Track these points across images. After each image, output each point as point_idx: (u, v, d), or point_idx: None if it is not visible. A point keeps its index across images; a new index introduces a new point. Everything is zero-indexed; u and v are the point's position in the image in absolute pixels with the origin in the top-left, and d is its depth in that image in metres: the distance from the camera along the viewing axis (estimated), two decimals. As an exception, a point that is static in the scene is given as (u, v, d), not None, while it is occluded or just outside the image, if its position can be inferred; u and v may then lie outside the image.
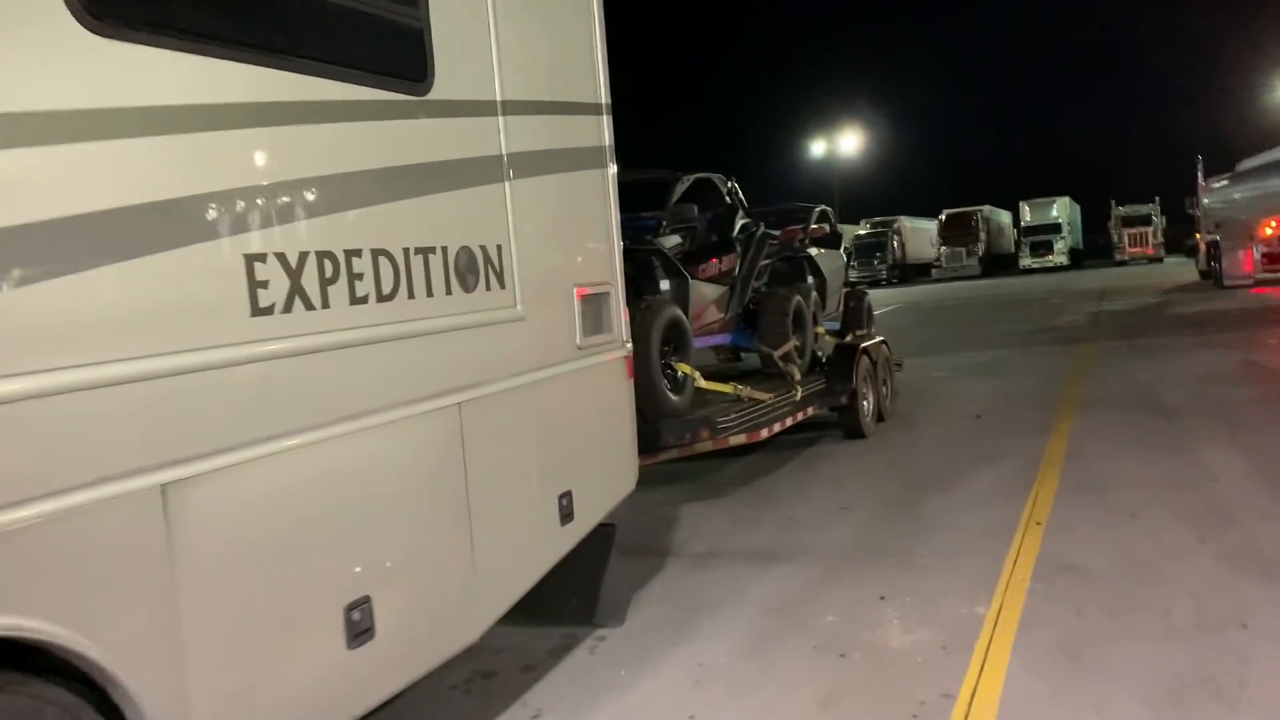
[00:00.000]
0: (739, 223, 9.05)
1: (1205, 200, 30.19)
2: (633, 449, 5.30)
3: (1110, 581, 5.30)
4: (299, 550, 3.03)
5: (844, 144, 67.86)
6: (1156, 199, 55.17)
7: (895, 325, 24.37)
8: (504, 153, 4.22)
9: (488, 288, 4.03)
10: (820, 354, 10.19)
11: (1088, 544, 5.94)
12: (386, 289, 3.44)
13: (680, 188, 8.24)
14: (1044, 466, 8.06)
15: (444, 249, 3.75)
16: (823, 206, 12.26)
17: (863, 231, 55.25)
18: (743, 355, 10.51)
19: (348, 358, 3.25)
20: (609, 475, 5.07)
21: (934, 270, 55.08)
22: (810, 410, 9.23)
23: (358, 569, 3.23)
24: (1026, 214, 57.13)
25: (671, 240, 7.89)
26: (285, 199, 3.07)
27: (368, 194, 3.41)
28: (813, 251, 11.20)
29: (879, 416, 10.47)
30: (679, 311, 7.18)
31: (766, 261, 10.24)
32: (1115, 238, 55.35)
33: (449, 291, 3.77)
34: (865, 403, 10.06)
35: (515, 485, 4.18)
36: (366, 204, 3.40)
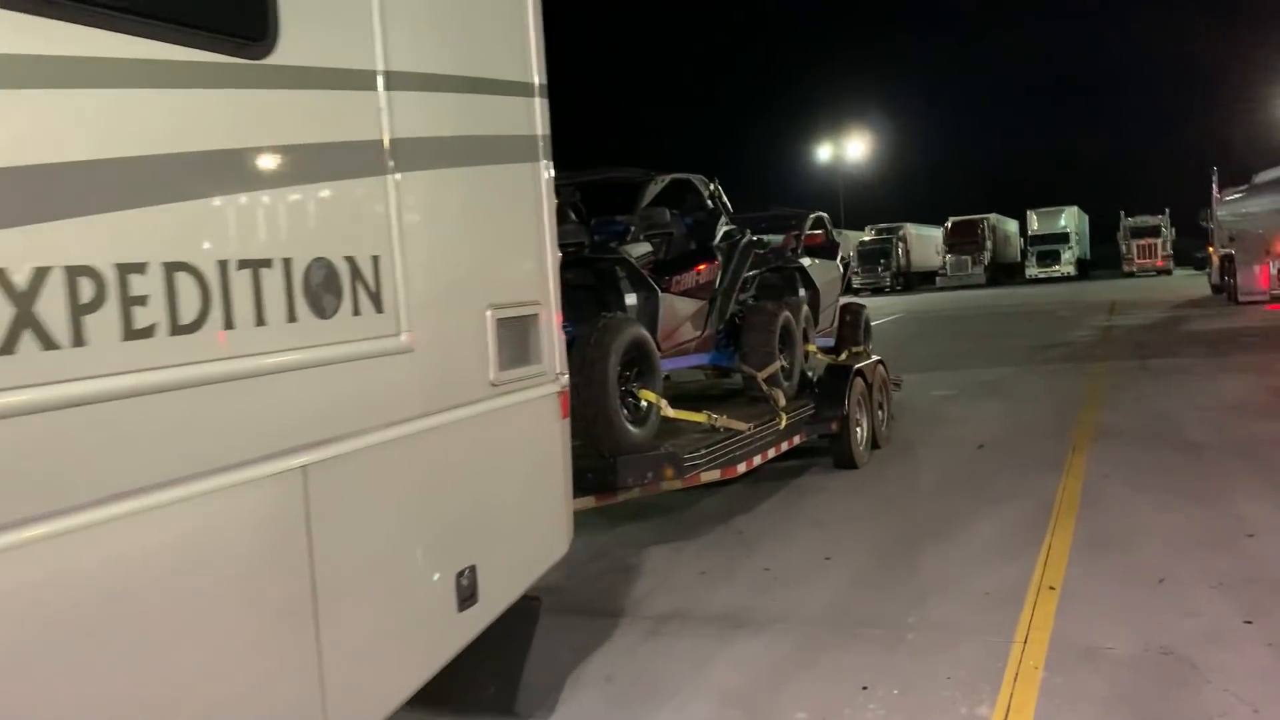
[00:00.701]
0: (721, 229, 8.13)
1: (1220, 213, 29.24)
2: (565, 504, 4.38)
3: (1141, 675, 4.38)
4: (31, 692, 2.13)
5: (851, 149, 67.02)
6: (1166, 211, 54.30)
7: (896, 336, 23.47)
8: (387, 138, 3.31)
9: (356, 311, 3.12)
10: (811, 374, 9.27)
11: (1110, 619, 5.02)
12: (187, 317, 2.52)
13: (653, 189, 7.33)
14: (1056, 512, 7.14)
15: (286, 261, 2.84)
16: (818, 213, 11.34)
17: (867, 238, 54.38)
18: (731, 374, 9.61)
19: (112, 414, 2.33)
20: (530, 541, 4.14)
21: (939, 278, 54.16)
22: (797, 439, 8.31)
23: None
24: (1034, 223, 56.22)
25: (641, 248, 6.98)
26: (17, 193, 2.16)
27: (162, 186, 2.50)
28: (805, 262, 10.28)
29: (874, 443, 9.55)
30: (643, 330, 6.27)
31: (753, 272, 9.32)
32: (1124, 249, 54.48)
33: (293, 318, 2.85)
34: (858, 429, 9.13)
35: (389, 569, 3.26)
36: (160, 200, 2.49)
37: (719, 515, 7.71)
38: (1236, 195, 28.31)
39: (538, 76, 4.22)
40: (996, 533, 6.80)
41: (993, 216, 55.91)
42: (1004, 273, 55.70)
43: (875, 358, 10.11)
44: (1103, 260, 59.83)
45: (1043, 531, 6.70)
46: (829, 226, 11.59)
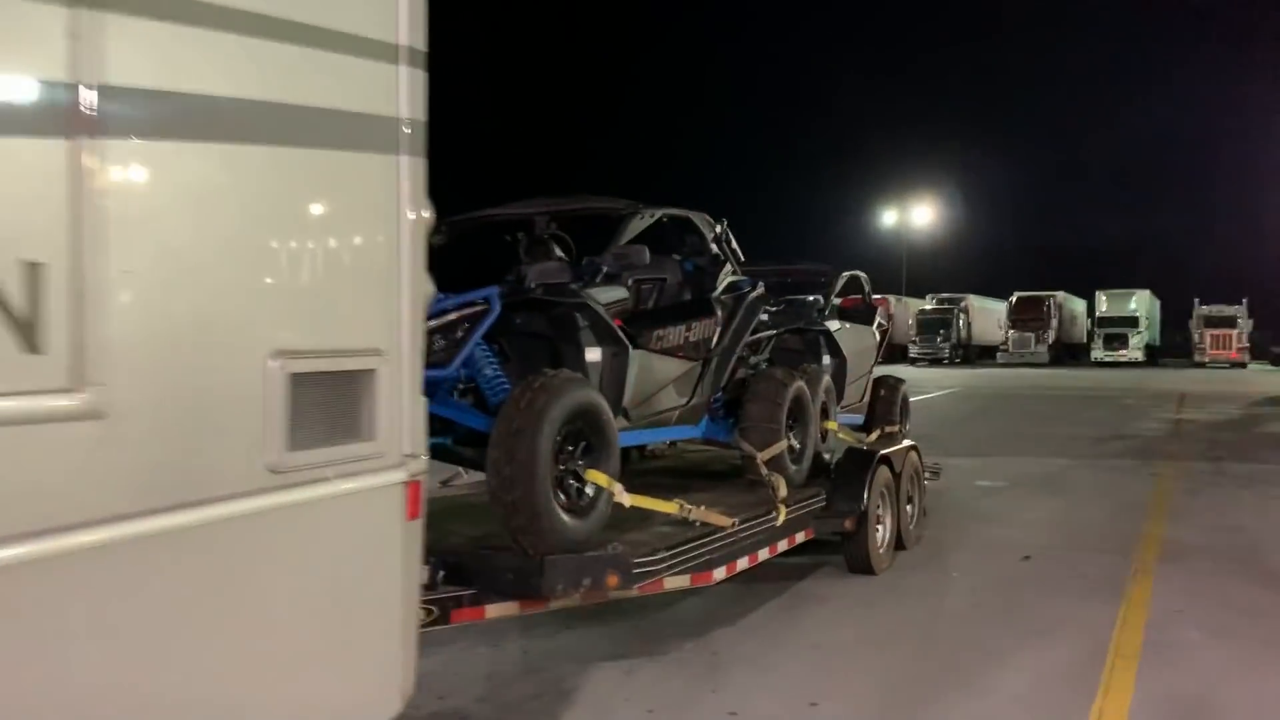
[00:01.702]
0: (725, 280, 6.83)
1: (1306, 306, 27.27)
2: (399, 647, 3.07)
3: None
4: None
5: (916, 215, 65.54)
6: (1244, 300, 52.00)
7: (948, 413, 21.89)
8: (84, 79, 2.09)
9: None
10: (828, 458, 7.88)
11: None
12: None
13: (637, 224, 6.06)
14: (1112, 660, 5.67)
15: None
16: (854, 272, 9.99)
17: (928, 307, 52.79)
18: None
19: None
20: (326, 709, 2.84)
21: (1000, 354, 52.23)
22: (801, 536, 6.92)
23: None
24: (1103, 304, 54.11)
25: (611, 293, 5.70)
26: None
27: None
28: (833, 326, 8.93)
29: (898, 544, 8.10)
30: (592, 394, 4.97)
31: (767, 334, 8.01)
32: (1196, 337, 52.21)
33: None
34: (879, 529, 7.71)
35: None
36: None
37: (694, 624, 6.33)
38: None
39: (407, 36, 2.98)
40: (1034, 684, 5.35)
41: (1060, 294, 53.94)
42: (1068, 353, 53.58)
43: (908, 443, 8.68)
44: (1173, 347, 57.38)
45: (1093, 688, 5.25)
46: (866, 288, 10.23)
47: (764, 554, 6.30)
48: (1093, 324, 55.13)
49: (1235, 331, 51.22)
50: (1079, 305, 58.00)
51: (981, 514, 10.13)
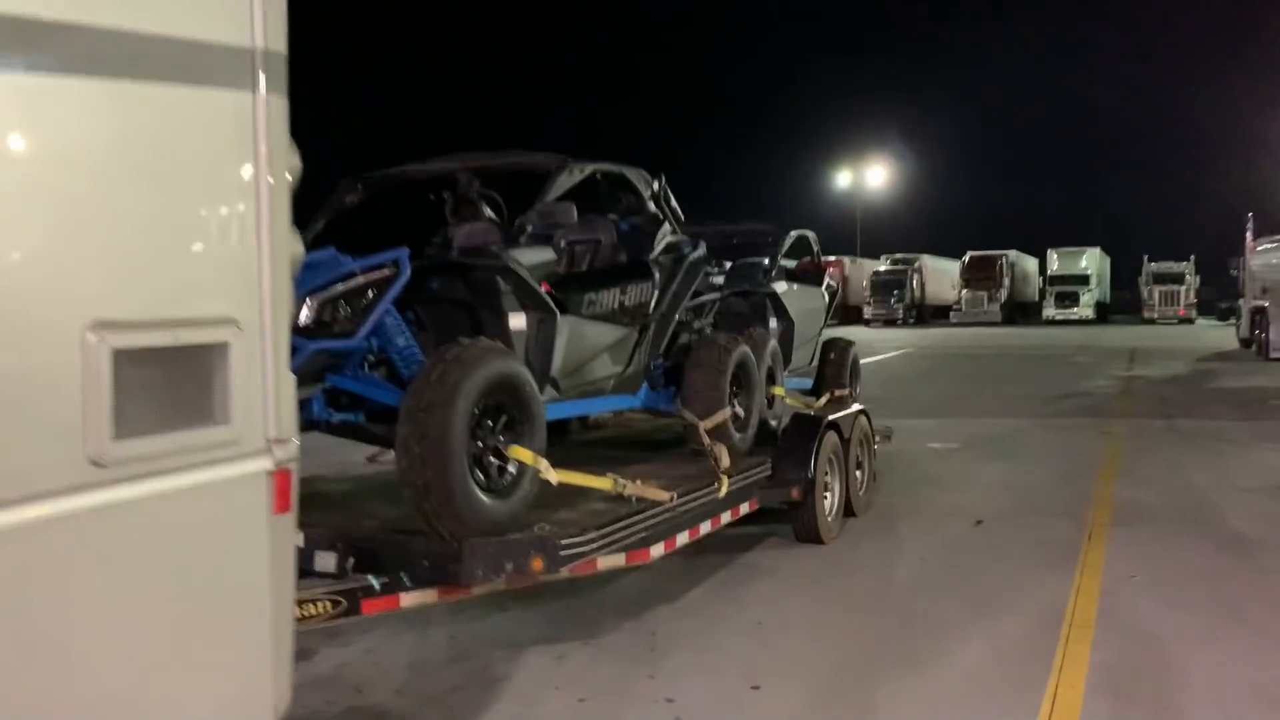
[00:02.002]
0: (663, 240, 6.46)
1: (1253, 262, 27.43)
2: (267, 661, 2.70)
3: None
4: None
5: (870, 176, 65.46)
6: (1191, 258, 52.57)
7: (900, 374, 21.77)
8: None
9: None
10: (775, 424, 7.58)
11: None
12: None
13: (564, 181, 5.66)
14: (1067, 633, 5.44)
15: None
16: (802, 231, 9.66)
17: (882, 268, 52.84)
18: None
19: None
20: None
21: (953, 313, 52.41)
22: (746, 507, 6.62)
23: None
24: (1054, 263, 54.50)
25: (536, 254, 5.31)
26: None
27: None
28: (780, 288, 8.61)
29: (848, 511, 7.83)
30: (513, 365, 4.60)
31: (710, 297, 7.67)
32: (1145, 294, 52.80)
33: None
34: (827, 497, 7.43)
35: None
36: None
37: (633, 602, 6.01)
38: (1272, 244, 26.53)
39: (263, -46, 2.56)
40: (986, 660, 5.10)
41: (1012, 253, 54.15)
42: (1020, 312, 53.87)
43: (857, 407, 8.40)
44: (1123, 305, 58.04)
45: (1047, 664, 5.00)
46: (814, 248, 9.91)
47: (706, 527, 5.98)
48: (1044, 282, 55.50)
49: (1183, 288, 51.82)
50: (1031, 264, 58.33)
51: (933, 477, 9.91)
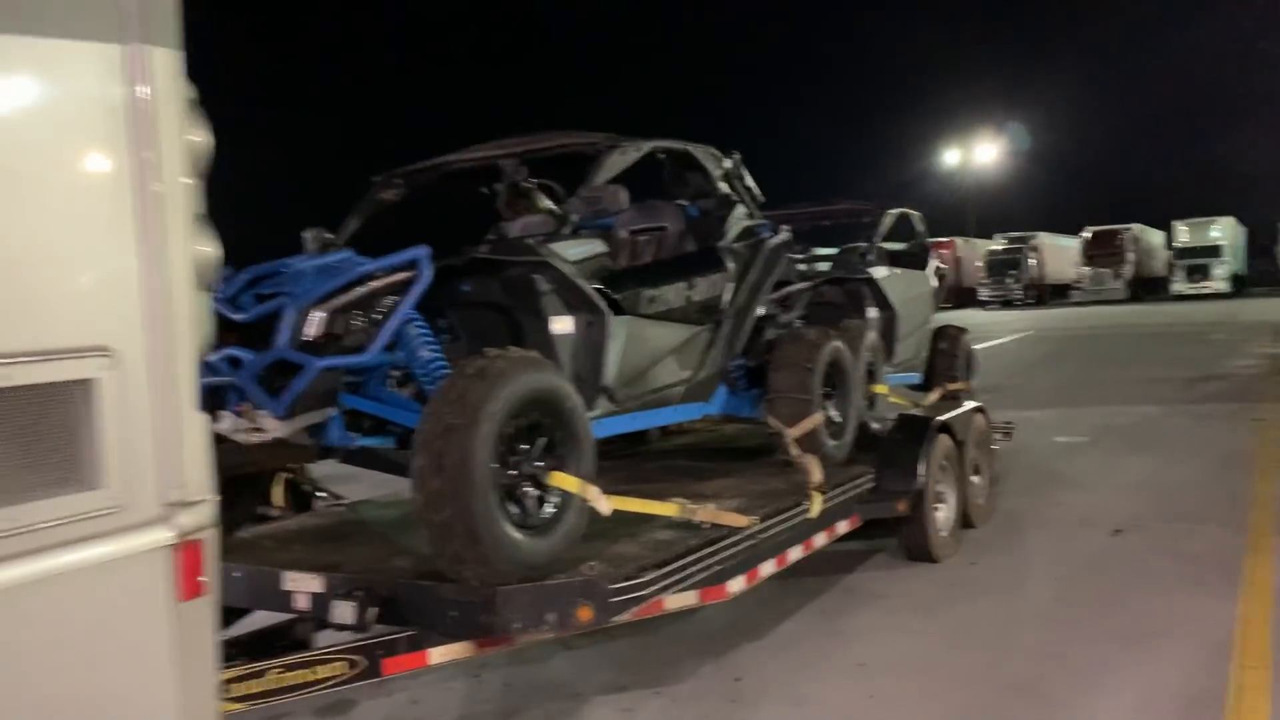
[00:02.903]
0: (737, 224, 5.69)
1: None
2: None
3: None
4: None
5: (981, 153, 63.12)
6: (1339, 222, 49.08)
7: (1019, 359, 20.46)
8: None
9: None
10: (878, 427, 6.74)
11: None
12: None
13: (616, 162, 4.92)
14: (1236, 676, 4.50)
15: None
16: (904, 210, 8.73)
17: (997, 247, 50.76)
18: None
19: None
20: None
21: (1074, 292, 50.06)
22: (845, 526, 5.82)
23: None
24: (1183, 235, 51.49)
25: (582, 248, 4.59)
26: None
27: None
28: (879, 273, 7.74)
29: (965, 521, 6.95)
30: (551, 378, 3.89)
31: (798, 287, 6.87)
32: (1286, 264, 49.50)
33: None
34: (941, 509, 6.57)
35: None
36: None
37: (714, 638, 5.28)
38: None
39: None
40: (1139, 711, 4.22)
41: (1136, 227, 51.40)
42: (1147, 288, 51.08)
43: (972, 404, 7.48)
44: (1261, 277, 54.53)
45: (1217, 712, 4.10)
46: (919, 227, 8.98)
47: (796, 553, 5.22)
48: (1173, 256, 52.57)
49: (1329, 256, 48.48)
50: (1156, 237, 55.31)
51: (1062, 477, 8.89)
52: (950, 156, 63.02)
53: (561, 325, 4.39)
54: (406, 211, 5.88)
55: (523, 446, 3.81)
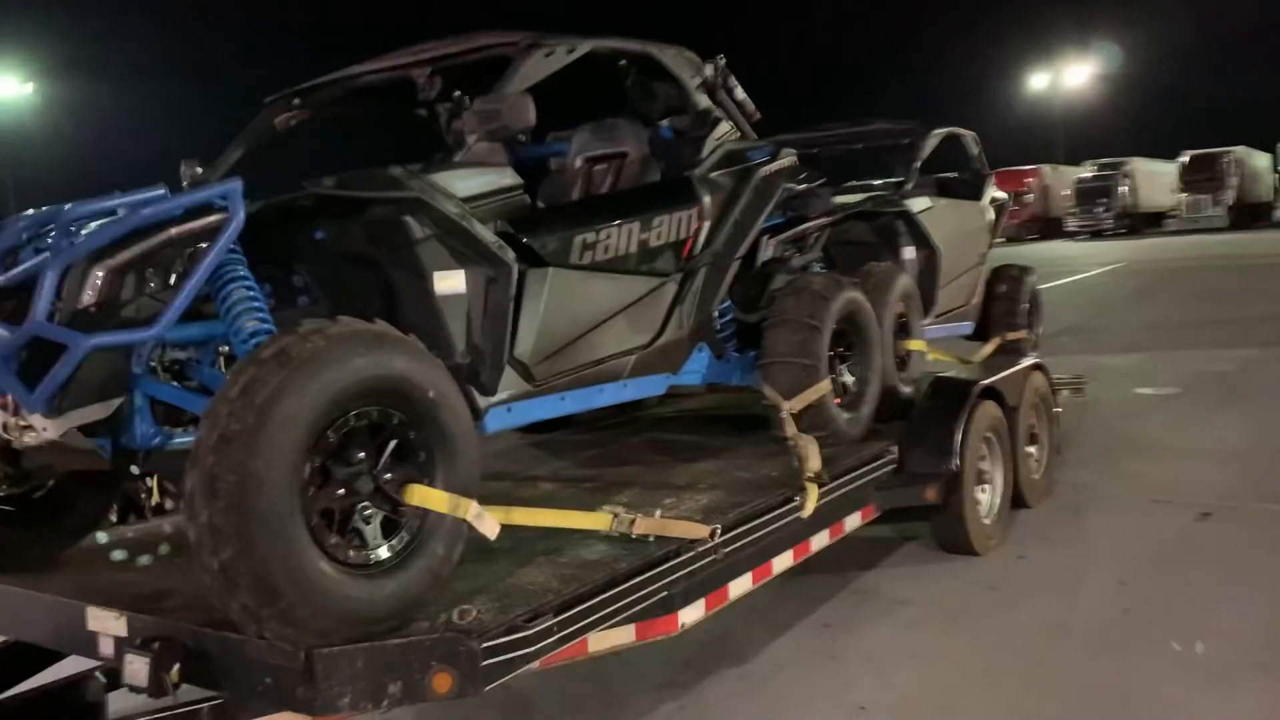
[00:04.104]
0: (718, 148, 4.54)
1: None
2: None
3: None
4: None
5: (1070, 75, 59.86)
6: None
7: (1106, 295, 18.84)
8: None
9: None
10: (910, 391, 5.60)
11: None
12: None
13: (533, 68, 3.80)
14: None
15: None
16: (953, 129, 7.42)
17: (1086, 174, 48.05)
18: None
19: None
20: None
21: (1169, 221, 47.27)
22: (854, 521, 4.73)
23: None
24: (1291, 156, 48.13)
25: (475, 179, 3.49)
26: None
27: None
28: (917, 205, 6.50)
29: (1017, 500, 5.80)
30: (397, 360, 2.82)
31: (813, 224, 5.73)
32: None
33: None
34: (984, 491, 5.43)
35: None
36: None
37: (681, 665, 4.25)
38: None
39: None
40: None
41: (1238, 149, 48.10)
42: (1250, 214, 47.88)
43: (1028, 361, 6.25)
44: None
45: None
46: (974, 150, 7.66)
47: (784, 563, 4.15)
48: (1279, 180, 49.24)
49: None
50: (1262, 160, 51.76)
51: (1141, 440, 7.62)
52: (1037, 80, 59.91)
53: (448, 283, 3.34)
54: (350, 142, 4.89)
55: (356, 455, 2.79)
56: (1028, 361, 6.16)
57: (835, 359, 5.00)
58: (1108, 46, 63.38)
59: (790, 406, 4.56)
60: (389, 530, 2.86)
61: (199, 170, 4.23)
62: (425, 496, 2.89)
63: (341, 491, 2.75)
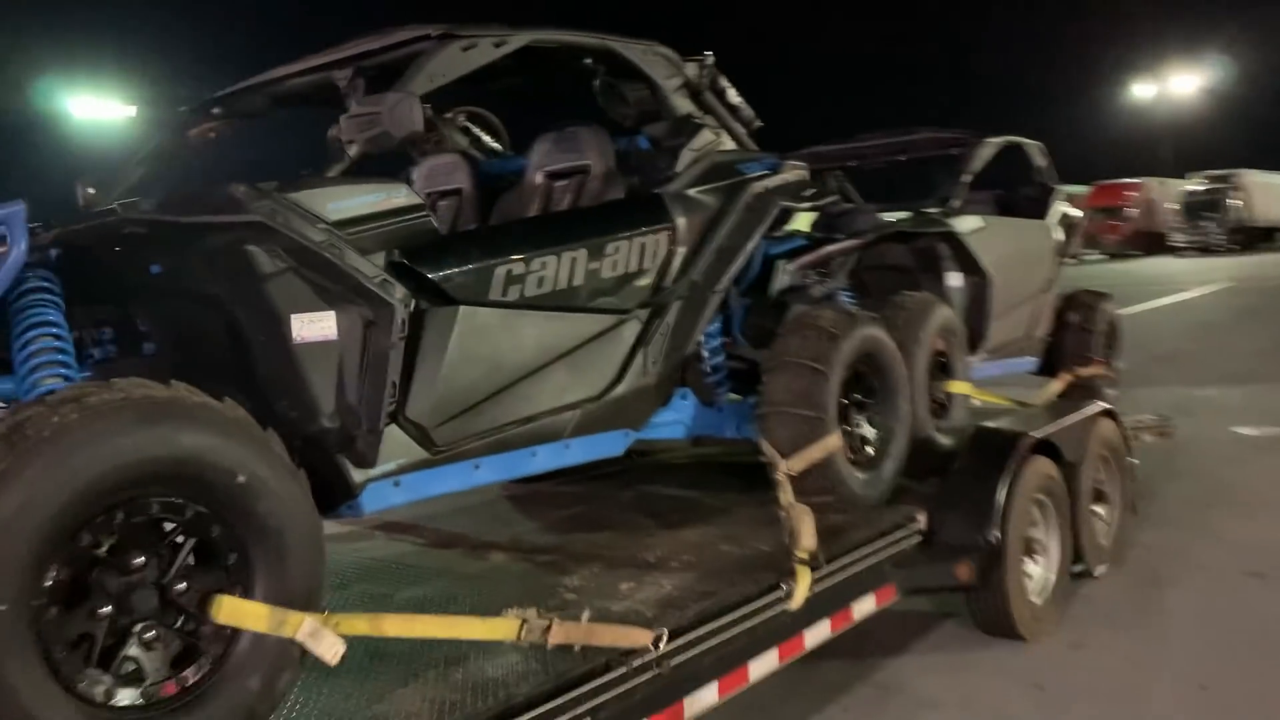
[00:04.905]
0: (698, 159, 3.81)
1: None
2: None
3: None
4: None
5: (1176, 84, 57.30)
6: None
7: (1209, 318, 17.44)
8: None
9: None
10: (949, 443, 4.79)
11: None
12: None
13: (441, 65, 3.11)
14: None
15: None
16: (1011, 138, 6.54)
17: (1194, 187, 45.75)
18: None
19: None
20: None
21: (1284, 235, 44.71)
22: (866, 607, 3.94)
23: None
24: None
25: (354, 199, 2.81)
26: None
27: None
28: (965, 225, 5.66)
29: (1079, 569, 4.93)
30: (196, 437, 2.15)
31: (837, 247, 4.96)
32: None
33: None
34: (1036, 564, 4.58)
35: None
36: None
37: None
38: None
39: None
40: None
41: (1363, 159, 45.39)
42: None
43: (1095, 407, 5.35)
44: None
45: None
46: (1039, 163, 6.77)
47: (763, 666, 3.38)
48: None
49: None
50: (1390, 171, 48.82)
51: (1236, 493, 6.60)
52: (1141, 89, 57.53)
53: (310, 328, 2.67)
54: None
55: (136, 560, 2.14)
56: (1092, 408, 5.25)
57: (850, 408, 4.23)
58: (1217, 55, 60.51)
59: (788, 466, 3.80)
60: (184, 657, 2.20)
61: (91, 191, 3.66)
62: (236, 611, 2.23)
63: (107, 609, 2.10)
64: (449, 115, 4.62)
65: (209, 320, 2.71)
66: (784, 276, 4.78)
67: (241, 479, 2.20)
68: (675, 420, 3.98)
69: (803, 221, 4.96)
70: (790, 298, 4.68)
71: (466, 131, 4.64)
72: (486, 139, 4.76)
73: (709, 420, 4.15)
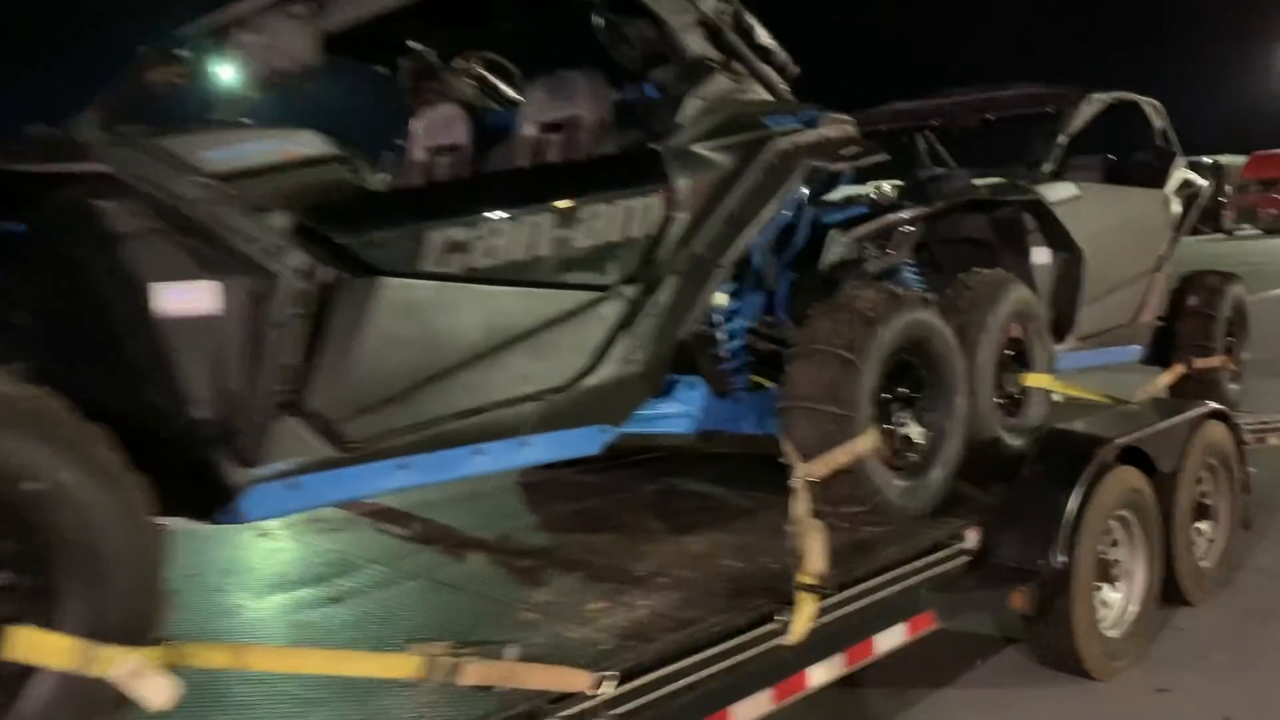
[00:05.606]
0: (711, 112, 3.25)
1: None
2: None
3: None
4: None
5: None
6: None
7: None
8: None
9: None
10: (1018, 444, 4.15)
11: None
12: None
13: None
14: None
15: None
16: (1118, 95, 5.71)
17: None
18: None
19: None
20: None
21: None
22: (898, 636, 3.37)
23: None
24: None
25: (240, 147, 2.36)
26: None
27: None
28: (1057, 193, 4.93)
29: (1171, 594, 4.24)
30: None
31: (898, 216, 4.36)
32: None
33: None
34: (1112, 590, 3.92)
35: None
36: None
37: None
38: None
39: None
40: None
41: None
42: None
43: (1201, 408, 4.58)
44: None
45: None
46: (1157, 124, 5.94)
47: (752, 710, 2.86)
48: None
49: None
50: None
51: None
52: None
53: (179, 301, 2.24)
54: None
55: None
56: (1196, 409, 4.50)
57: (894, 404, 3.64)
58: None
59: (809, 471, 3.24)
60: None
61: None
62: (31, 645, 1.82)
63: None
64: (461, 63, 4.16)
65: (69, 290, 2.31)
66: (837, 249, 4.19)
67: (27, 486, 1.79)
68: (680, 413, 3.46)
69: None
70: (843, 273, 4.10)
71: (482, 80, 4.17)
72: (504, 88, 4.29)
73: (723, 413, 3.62)
